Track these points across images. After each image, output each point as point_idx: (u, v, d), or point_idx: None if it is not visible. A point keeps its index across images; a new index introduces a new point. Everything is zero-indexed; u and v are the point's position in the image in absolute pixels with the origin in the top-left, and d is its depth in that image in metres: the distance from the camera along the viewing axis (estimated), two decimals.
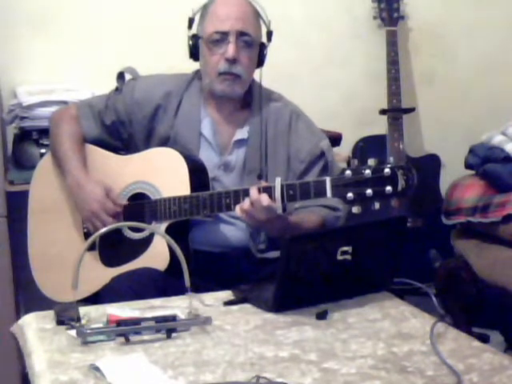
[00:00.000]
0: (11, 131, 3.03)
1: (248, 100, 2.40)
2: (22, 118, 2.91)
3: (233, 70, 2.31)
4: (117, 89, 2.46)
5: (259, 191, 2.12)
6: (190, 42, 2.38)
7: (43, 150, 2.82)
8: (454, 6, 3.63)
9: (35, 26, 3.16)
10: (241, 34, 2.30)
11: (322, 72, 3.51)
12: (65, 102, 2.85)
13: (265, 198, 2.09)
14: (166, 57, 3.09)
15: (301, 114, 2.45)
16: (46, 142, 2.82)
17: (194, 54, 2.38)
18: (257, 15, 2.36)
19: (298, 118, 2.42)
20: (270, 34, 2.39)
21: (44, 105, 2.90)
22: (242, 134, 2.39)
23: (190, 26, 2.38)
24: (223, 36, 2.30)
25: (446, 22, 3.63)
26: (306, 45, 3.44)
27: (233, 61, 2.29)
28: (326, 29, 3.48)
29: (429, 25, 3.62)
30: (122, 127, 2.44)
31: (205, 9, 2.36)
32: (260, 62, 2.38)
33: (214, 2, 2.34)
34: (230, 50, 2.29)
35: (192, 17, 2.38)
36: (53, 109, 2.72)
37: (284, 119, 2.40)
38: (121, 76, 2.47)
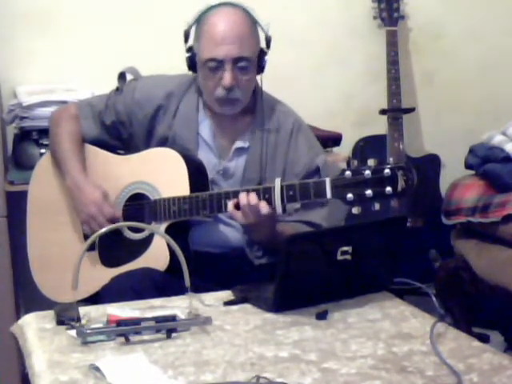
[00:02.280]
0: (11, 131, 3.03)
1: (250, 105, 2.39)
2: (22, 118, 2.91)
3: (230, 96, 2.28)
4: (117, 89, 2.46)
5: (259, 193, 2.12)
6: (188, 55, 2.34)
7: (43, 150, 2.82)
8: (454, 6, 3.63)
9: (35, 26, 3.15)
10: (237, 60, 2.26)
11: (322, 72, 3.50)
12: (65, 102, 2.84)
13: (264, 207, 2.10)
14: (166, 57, 3.09)
15: (302, 126, 2.43)
16: (45, 142, 2.82)
17: (192, 67, 2.35)
18: (254, 26, 2.31)
19: (299, 131, 2.40)
20: (268, 41, 2.35)
21: (44, 105, 2.90)
22: (242, 141, 2.37)
23: (186, 40, 2.34)
24: (219, 63, 2.26)
25: (446, 22, 3.63)
26: (306, 45, 3.44)
27: (230, 88, 2.28)
28: (325, 28, 3.48)
29: (429, 25, 3.62)
30: (122, 127, 2.44)
31: (199, 24, 2.31)
32: (260, 69, 2.36)
33: (208, 20, 2.28)
34: (227, 79, 2.25)
35: (187, 29, 2.33)
36: (53, 109, 2.72)
37: (286, 130, 2.39)
38: (122, 76, 2.47)
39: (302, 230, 2.30)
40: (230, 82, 2.26)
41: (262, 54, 2.34)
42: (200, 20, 2.31)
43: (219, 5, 2.30)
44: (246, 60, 2.28)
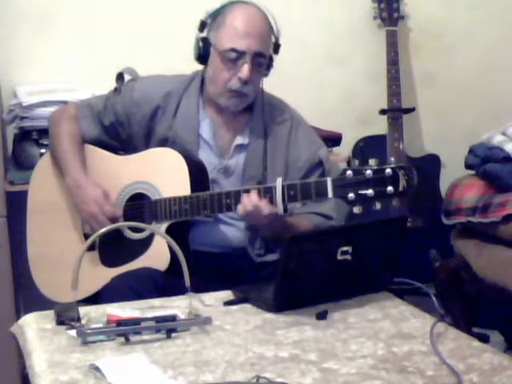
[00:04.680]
0: (11, 131, 3.03)
1: (249, 104, 2.39)
2: (22, 118, 2.91)
3: (244, 89, 2.30)
4: (116, 89, 2.46)
5: (260, 193, 2.12)
6: (200, 45, 2.34)
7: (43, 150, 2.82)
8: (453, 6, 3.63)
9: (35, 26, 3.16)
10: (257, 55, 2.28)
11: (322, 72, 3.51)
12: (65, 102, 2.84)
13: (265, 206, 2.10)
14: (165, 57, 3.09)
15: (301, 122, 2.44)
16: (45, 142, 2.82)
17: (203, 57, 2.35)
18: (270, 29, 2.33)
19: (299, 126, 2.41)
20: (277, 47, 2.36)
21: (44, 105, 2.90)
22: (242, 138, 2.38)
23: (201, 29, 2.35)
24: (239, 55, 2.26)
25: (446, 22, 3.63)
26: (306, 45, 3.44)
27: (245, 82, 2.28)
28: (326, 29, 3.48)
29: (429, 25, 3.62)
30: (120, 128, 2.43)
31: (220, 16, 2.31)
32: (265, 73, 2.37)
33: (231, 13, 2.29)
34: (245, 71, 2.26)
35: (205, 20, 2.34)
36: (53, 109, 2.72)
37: (285, 126, 2.39)
38: (120, 76, 2.47)
39: (315, 221, 2.31)
40: (248, 75, 2.27)
41: (269, 58, 2.35)
42: (222, 12, 2.32)
43: (242, 2, 2.32)
44: (263, 57, 2.30)
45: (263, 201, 2.12)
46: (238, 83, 2.29)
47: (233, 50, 2.27)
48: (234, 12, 2.30)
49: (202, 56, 2.35)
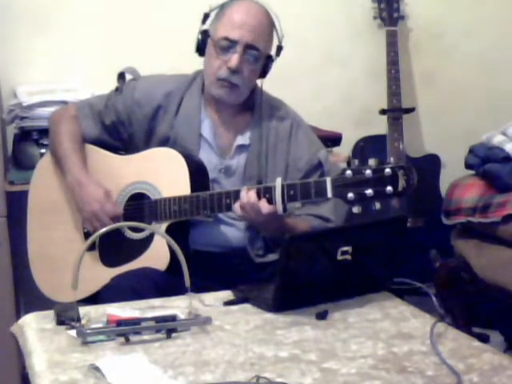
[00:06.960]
0: (11, 131, 3.03)
1: (250, 104, 2.39)
2: (22, 118, 2.91)
3: (232, 79, 2.30)
4: (117, 89, 2.46)
5: (259, 192, 2.12)
6: (199, 37, 2.36)
7: (43, 150, 2.82)
8: (453, 6, 3.63)
9: (35, 26, 3.16)
10: (249, 47, 2.28)
11: (322, 72, 3.50)
12: (65, 102, 2.85)
13: (265, 206, 2.10)
14: (166, 57, 3.09)
15: (301, 123, 2.44)
16: (45, 142, 2.82)
17: (201, 49, 2.37)
18: (271, 27, 2.34)
19: (299, 127, 2.41)
20: (279, 49, 2.37)
21: (44, 105, 2.90)
22: (243, 139, 2.38)
23: (204, 21, 2.36)
24: (231, 44, 2.27)
25: (446, 22, 3.63)
26: (306, 45, 3.44)
27: (234, 71, 2.28)
28: (325, 29, 3.48)
29: (429, 25, 3.62)
30: (121, 127, 2.44)
31: (222, 9, 2.34)
32: (263, 74, 2.37)
33: (231, 5, 2.32)
34: (234, 60, 2.27)
35: (208, 12, 2.36)
36: (53, 109, 2.72)
37: (285, 127, 2.40)
38: (121, 76, 2.47)
39: (313, 222, 2.31)
40: (237, 64, 2.27)
41: (269, 58, 2.35)
42: (224, 5, 2.34)
43: None
44: (256, 50, 2.30)
45: (262, 200, 2.11)
46: (227, 72, 2.29)
47: (225, 38, 2.28)
48: (234, 5, 2.32)
49: (200, 47, 2.36)
